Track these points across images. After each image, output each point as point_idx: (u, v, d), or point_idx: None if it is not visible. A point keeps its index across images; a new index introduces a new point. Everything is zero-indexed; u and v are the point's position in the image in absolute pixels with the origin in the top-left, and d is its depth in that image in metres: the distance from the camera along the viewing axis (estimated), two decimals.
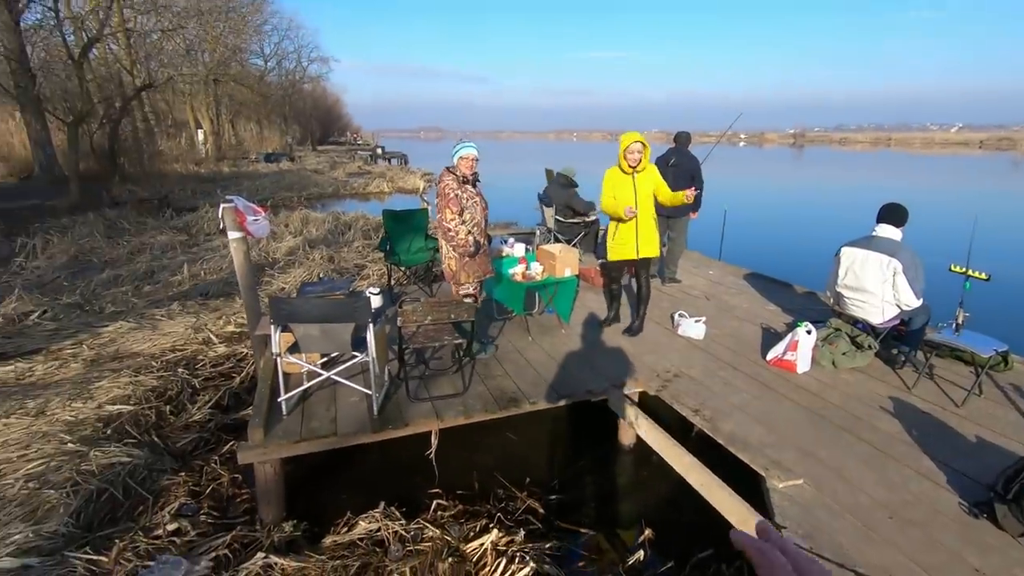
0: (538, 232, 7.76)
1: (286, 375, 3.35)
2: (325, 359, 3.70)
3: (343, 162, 29.80)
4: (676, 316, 4.89)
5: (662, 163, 5.83)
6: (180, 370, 4.64)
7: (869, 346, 4.02)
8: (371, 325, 3.15)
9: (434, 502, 3.20)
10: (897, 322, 3.90)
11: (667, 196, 4.34)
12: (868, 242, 3.88)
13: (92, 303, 6.27)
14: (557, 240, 7.05)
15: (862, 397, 3.64)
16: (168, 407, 4.15)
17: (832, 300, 4.29)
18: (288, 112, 43.64)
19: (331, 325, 3.08)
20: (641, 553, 2.91)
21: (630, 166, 4.26)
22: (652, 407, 3.60)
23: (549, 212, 7.34)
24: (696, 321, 4.71)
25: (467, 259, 3.90)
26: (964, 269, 3.80)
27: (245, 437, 3.10)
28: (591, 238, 7.33)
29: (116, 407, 3.97)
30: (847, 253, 3.99)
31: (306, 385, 3.47)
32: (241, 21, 27.05)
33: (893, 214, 3.87)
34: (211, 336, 5.29)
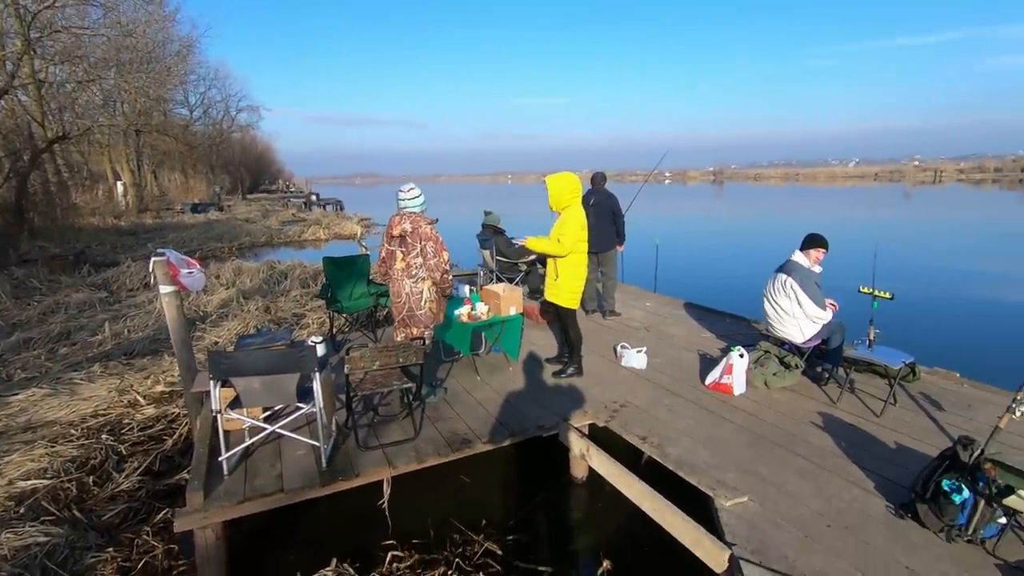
0: (481, 273, 7.84)
1: (226, 433, 3.19)
2: (268, 413, 3.55)
3: (276, 210, 29.06)
4: (619, 348, 5.05)
5: (583, 204, 6.07)
6: (103, 436, 4.33)
7: (796, 365, 4.30)
8: (317, 374, 3.08)
9: (389, 554, 3.11)
10: (818, 341, 4.21)
11: (542, 241, 4.48)
12: (780, 267, 4.26)
13: None
14: (499, 280, 7.15)
15: (794, 414, 3.87)
16: (91, 477, 3.84)
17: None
18: (215, 161, 42.34)
19: (275, 377, 2.98)
20: None
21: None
22: (602, 438, 3.68)
23: (487, 254, 7.44)
24: (638, 352, 4.88)
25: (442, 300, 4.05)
26: (871, 290, 4.19)
27: (182, 503, 2.92)
28: (534, 277, 7.46)
29: (30, 482, 3.64)
30: (769, 279, 4.33)
31: (248, 442, 3.32)
32: (164, 72, 26.17)
33: (803, 240, 4.27)
34: (138, 398, 4.97)
